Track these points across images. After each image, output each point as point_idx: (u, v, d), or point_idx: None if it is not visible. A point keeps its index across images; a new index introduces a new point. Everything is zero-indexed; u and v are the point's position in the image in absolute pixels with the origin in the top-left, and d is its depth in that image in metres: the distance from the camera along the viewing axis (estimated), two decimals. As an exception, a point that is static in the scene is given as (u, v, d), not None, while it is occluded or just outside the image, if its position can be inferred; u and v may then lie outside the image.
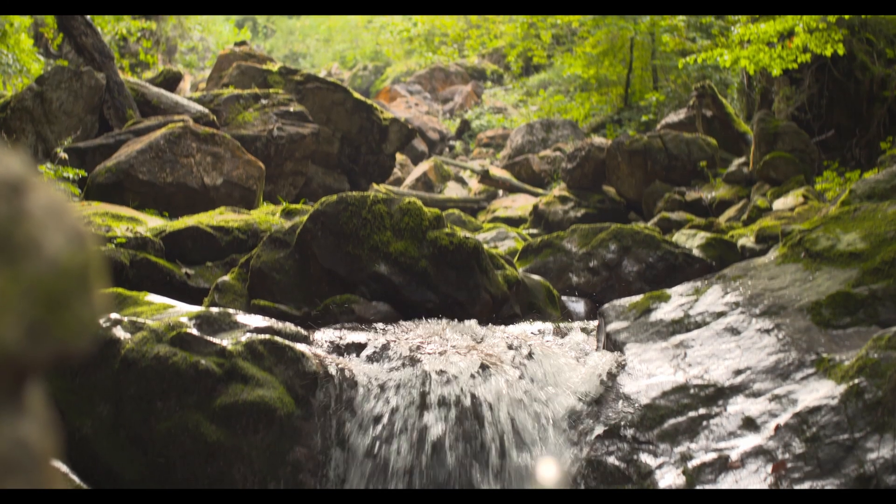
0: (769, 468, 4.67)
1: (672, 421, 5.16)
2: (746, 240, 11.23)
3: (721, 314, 5.86)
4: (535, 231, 15.89)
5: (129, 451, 5.05)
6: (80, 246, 1.02)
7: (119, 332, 5.28)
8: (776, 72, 14.32)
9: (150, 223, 9.78)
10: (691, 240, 11.03)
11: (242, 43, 23.34)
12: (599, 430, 5.22)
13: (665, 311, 6.08)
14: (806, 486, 4.51)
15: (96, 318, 1.03)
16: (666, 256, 9.60)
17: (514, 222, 17.58)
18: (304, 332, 5.84)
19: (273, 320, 5.88)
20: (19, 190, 1.02)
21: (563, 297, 8.58)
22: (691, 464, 4.85)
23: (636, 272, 9.45)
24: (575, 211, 16.65)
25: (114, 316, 5.43)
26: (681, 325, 5.90)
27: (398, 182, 22.82)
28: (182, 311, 5.79)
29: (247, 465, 5.04)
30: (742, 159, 15.88)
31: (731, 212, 14.14)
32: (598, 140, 18.47)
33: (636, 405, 5.31)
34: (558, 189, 17.97)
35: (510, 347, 5.85)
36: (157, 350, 5.20)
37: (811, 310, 5.62)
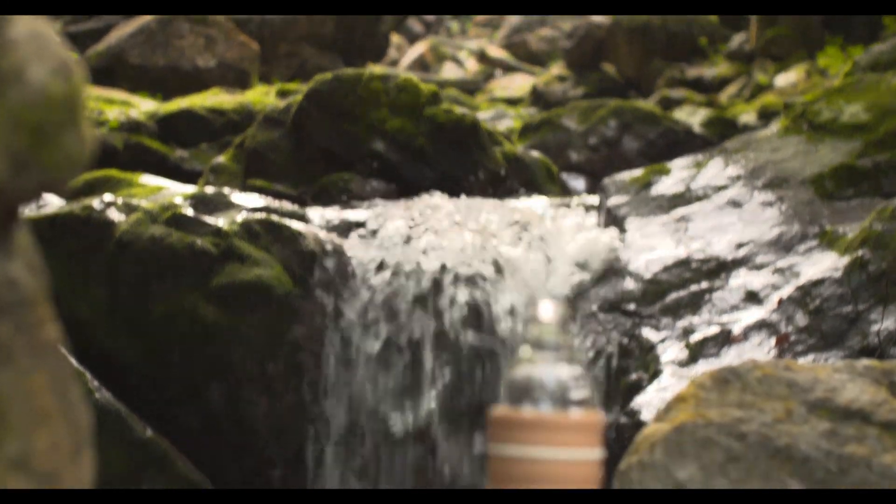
0: (772, 342, 4.67)
1: (674, 295, 5.13)
2: (748, 116, 11.15)
3: (723, 187, 5.81)
4: (533, 111, 15.77)
5: (126, 335, 5.04)
6: (66, 76, 0.96)
7: (113, 214, 5.24)
8: (777, -55, 14.08)
9: (143, 106, 9.69)
10: (692, 117, 10.96)
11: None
12: (601, 304, 5.22)
13: (666, 185, 6.03)
14: (810, 358, 4.51)
15: (84, 149, 0.97)
16: (667, 133, 9.52)
17: (512, 102, 17.42)
18: (300, 211, 5.80)
19: (269, 200, 5.83)
20: (1, 18, 0.95)
21: (563, 174, 8.53)
22: (694, 338, 4.83)
23: (637, 149, 9.37)
24: (574, 90, 16.50)
25: (107, 198, 5.38)
26: (682, 198, 5.85)
27: (394, 64, 22.60)
28: (177, 192, 5.75)
29: (245, 346, 5.03)
30: (743, 36, 15.68)
31: (731, 89, 14.01)
32: (597, 18, 18.25)
33: (638, 279, 5.28)
34: (557, 68, 17.80)
35: (508, 222, 5.82)
36: (152, 231, 5.15)
37: (814, 182, 5.58)
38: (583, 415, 1.44)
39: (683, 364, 4.78)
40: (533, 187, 7.09)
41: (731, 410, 1.85)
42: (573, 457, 1.42)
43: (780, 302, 4.80)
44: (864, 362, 1.94)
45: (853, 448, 1.75)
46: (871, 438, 1.81)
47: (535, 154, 7.82)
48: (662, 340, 4.94)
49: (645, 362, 4.90)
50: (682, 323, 4.98)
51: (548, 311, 1.52)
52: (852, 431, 1.69)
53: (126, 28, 11.85)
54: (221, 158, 7.48)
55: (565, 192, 7.86)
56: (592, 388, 1.47)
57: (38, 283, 1.06)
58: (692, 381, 2.00)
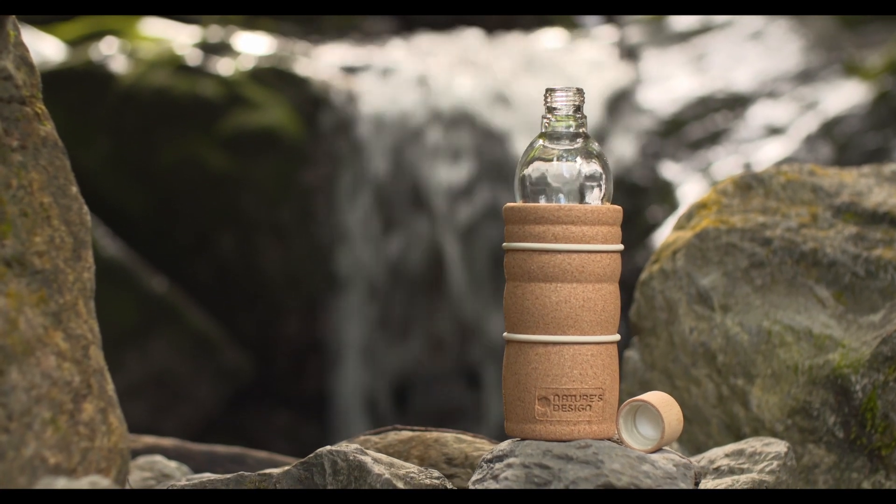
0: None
1: (693, 130, 5.06)
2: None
3: (743, 18, 5.66)
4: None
5: (133, 186, 5.06)
6: None
7: (115, 64, 5.22)
8: None
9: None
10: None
11: None
12: (619, 140, 5.13)
13: (686, 17, 5.87)
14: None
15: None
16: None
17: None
18: (308, 52, 5.71)
19: (276, 41, 5.74)
20: None
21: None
22: (714, 173, 4.77)
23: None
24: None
25: (109, 49, 5.34)
26: (702, 30, 5.72)
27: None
28: (180, 39, 5.66)
29: (255, 193, 5.03)
30: None
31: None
32: None
33: (656, 115, 5.19)
34: None
35: (522, 59, 5.73)
36: (156, 81, 5.14)
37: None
38: (600, 206, 1.40)
39: (704, 200, 4.73)
40: (547, 22, 6.99)
41: (755, 216, 1.79)
42: (591, 249, 1.39)
43: (803, 135, 4.76)
44: (892, 166, 1.85)
45: (881, 251, 1.68)
46: (899, 241, 1.75)
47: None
48: (682, 176, 4.88)
49: (664, 198, 4.84)
50: (702, 158, 4.93)
51: (562, 98, 1.45)
52: (879, 235, 1.65)
53: None
54: (226, 3, 7.35)
55: (581, 25, 7.76)
56: (610, 179, 1.40)
57: (31, 79, 1.01)
58: (714, 188, 1.91)
